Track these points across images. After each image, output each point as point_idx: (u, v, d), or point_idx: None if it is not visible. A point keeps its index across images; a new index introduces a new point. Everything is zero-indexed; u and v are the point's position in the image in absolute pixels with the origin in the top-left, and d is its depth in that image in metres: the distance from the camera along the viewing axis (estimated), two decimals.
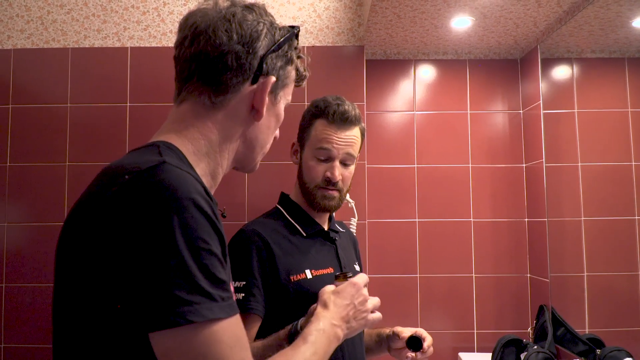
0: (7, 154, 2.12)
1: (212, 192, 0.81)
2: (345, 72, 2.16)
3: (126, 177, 0.69)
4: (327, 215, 1.46)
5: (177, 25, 0.87)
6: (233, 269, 0.88)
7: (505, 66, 2.39)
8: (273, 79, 0.84)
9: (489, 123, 2.38)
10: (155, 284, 0.62)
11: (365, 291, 1.06)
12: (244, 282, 1.25)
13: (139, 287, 0.63)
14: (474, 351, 2.27)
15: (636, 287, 1.61)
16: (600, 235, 1.84)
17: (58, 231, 0.76)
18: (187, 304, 0.62)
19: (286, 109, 0.93)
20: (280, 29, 0.86)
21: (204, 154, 0.82)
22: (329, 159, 1.38)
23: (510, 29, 2.10)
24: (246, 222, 1.42)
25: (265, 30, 0.83)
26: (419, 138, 2.37)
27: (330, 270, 1.35)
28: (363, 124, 1.44)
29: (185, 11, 2.10)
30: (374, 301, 1.07)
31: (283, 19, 2.17)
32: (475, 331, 2.28)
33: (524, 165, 2.35)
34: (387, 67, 2.39)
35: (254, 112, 0.84)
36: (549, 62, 2.16)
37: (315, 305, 1.03)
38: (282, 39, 0.85)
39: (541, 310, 2.13)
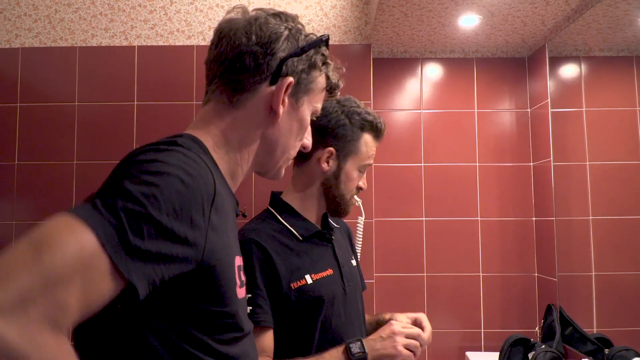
0: (15, 152, 2.12)
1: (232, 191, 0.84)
2: (352, 71, 2.15)
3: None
4: (320, 215, 1.45)
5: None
6: None
7: (512, 64, 2.39)
8: (290, 79, 0.84)
9: (497, 122, 2.37)
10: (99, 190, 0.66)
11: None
12: (250, 295, 1.24)
13: None
14: (481, 350, 2.26)
15: None
16: (608, 234, 1.83)
17: None
18: (86, 207, 0.64)
19: None
20: (307, 35, 0.88)
21: (224, 152, 0.84)
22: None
23: (517, 27, 2.10)
24: (240, 229, 1.34)
25: (286, 33, 0.84)
26: (426, 137, 2.36)
27: (329, 272, 1.34)
28: None
29: (192, 10, 2.11)
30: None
31: None
32: (482, 330, 2.28)
33: (531, 164, 2.34)
34: (394, 66, 2.39)
35: (272, 112, 0.85)
36: (557, 60, 2.15)
37: None
38: (306, 44, 0.86)
39: (549, 309, 2.12)
